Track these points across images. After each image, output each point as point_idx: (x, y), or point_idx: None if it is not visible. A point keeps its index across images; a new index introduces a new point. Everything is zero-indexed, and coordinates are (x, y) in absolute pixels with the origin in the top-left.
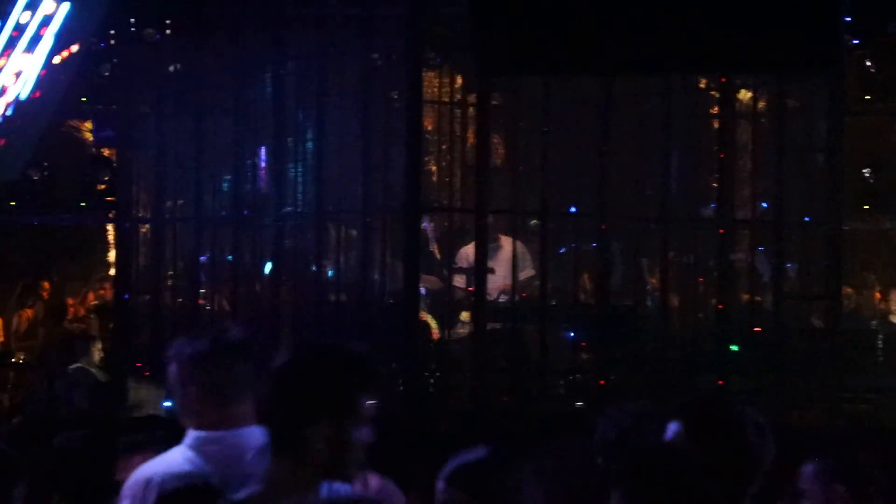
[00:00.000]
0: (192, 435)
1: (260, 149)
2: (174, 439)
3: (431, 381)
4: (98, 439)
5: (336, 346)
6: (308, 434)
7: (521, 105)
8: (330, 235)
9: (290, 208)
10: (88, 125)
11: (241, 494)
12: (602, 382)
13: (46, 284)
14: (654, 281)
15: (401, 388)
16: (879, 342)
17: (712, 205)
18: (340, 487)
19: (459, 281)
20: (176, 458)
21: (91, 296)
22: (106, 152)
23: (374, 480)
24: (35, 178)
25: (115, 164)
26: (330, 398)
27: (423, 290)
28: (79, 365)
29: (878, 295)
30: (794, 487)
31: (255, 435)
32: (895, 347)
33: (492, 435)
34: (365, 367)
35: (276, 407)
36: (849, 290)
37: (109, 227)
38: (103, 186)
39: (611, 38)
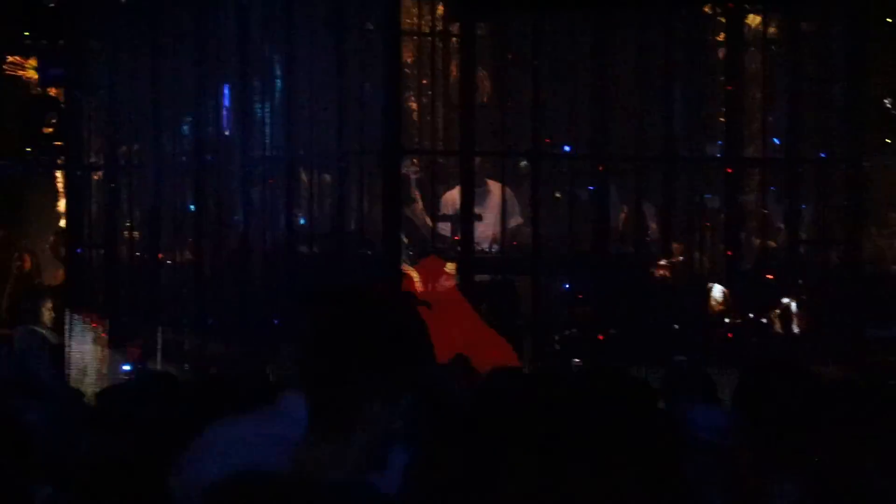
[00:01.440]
0: None
1: (223, 88)
2: None
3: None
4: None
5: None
6: (355, 407)
7: (509, 36)
8: (302, 182)
9: (257, 153)
10: (33, 63)
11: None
12: (601, 338)
13: None
14: (655, 226)
15: None
16: None
17: (719, 142)
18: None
19: (444, 229)
20: None
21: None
22: (52, 92)
23: None
24: None
25: (62, 106)
26: (386, 365)
27: (404, 241)
28: (27, 326)
29: None
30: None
31: None
32: None
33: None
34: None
35: (318, 369)
36: (870, 232)
37: (58, 175)
38: (50, 130)
39: None
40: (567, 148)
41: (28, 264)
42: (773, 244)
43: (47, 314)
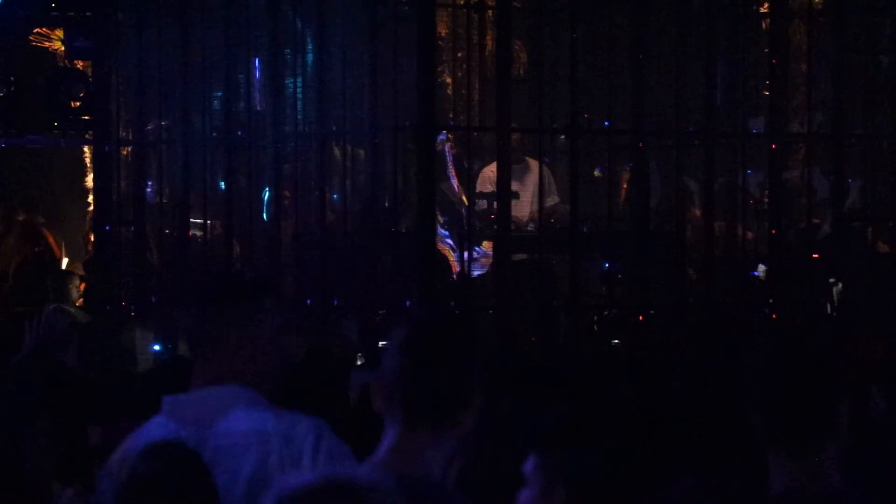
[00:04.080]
0: (166, 399)
1: (254, 61)
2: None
3: None
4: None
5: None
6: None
7: (546, 6)
8: (334, 158)
9: (289, 128)
10: (59, 34)
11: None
12: (641, 318)
13: (20, 217)
14: (697, 204)
15: None
16: None
17: (762, 117)
18: None
19: (481, 207)
20: (149, 428)
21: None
22: (80, 65)
23: None
24: None
25: (90, 79)
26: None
27: (439, 219)
28: (55, 305)
29: None
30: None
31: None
32: None
33: (517, 378)
34: None
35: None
36: None
37: (86, 150)
38: (78, 104)
39: None
40: (606, 123)
41: (57, 243)
42: (817, 222)
43: (75, 292)
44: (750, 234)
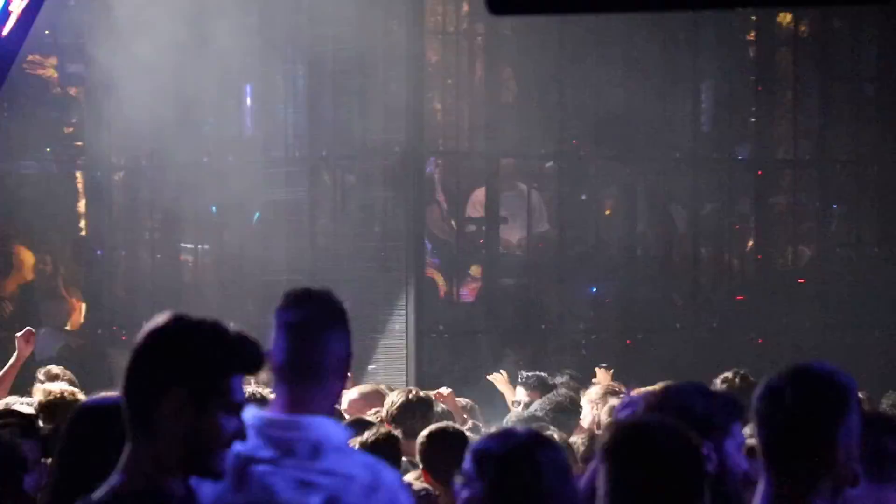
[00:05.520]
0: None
1: (245, 87)
2: None
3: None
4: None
5: (203, 318)
6: (160, 411)
7: (535, 35)
8: (324, 183)
9: (279, 153)
10: (53, 62)
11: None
12: (629, 342)
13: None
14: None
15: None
16: None
17: (748, 143)
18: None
19: (469, 230)
20: None
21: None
22: (73, 91)
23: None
24: None
25: (83, 105)
26: (186, 369)
27: (428, 244)
28: (46, 329)
29: None
30: None
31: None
32: None
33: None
34: (232, 342)
35: (127, 379)
36: None
37: (78, 175)
38: (70, 130)
39: None
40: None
41: (49, 267)
42: (803, 248)
43: (65, 316)
44: (735, 259)
